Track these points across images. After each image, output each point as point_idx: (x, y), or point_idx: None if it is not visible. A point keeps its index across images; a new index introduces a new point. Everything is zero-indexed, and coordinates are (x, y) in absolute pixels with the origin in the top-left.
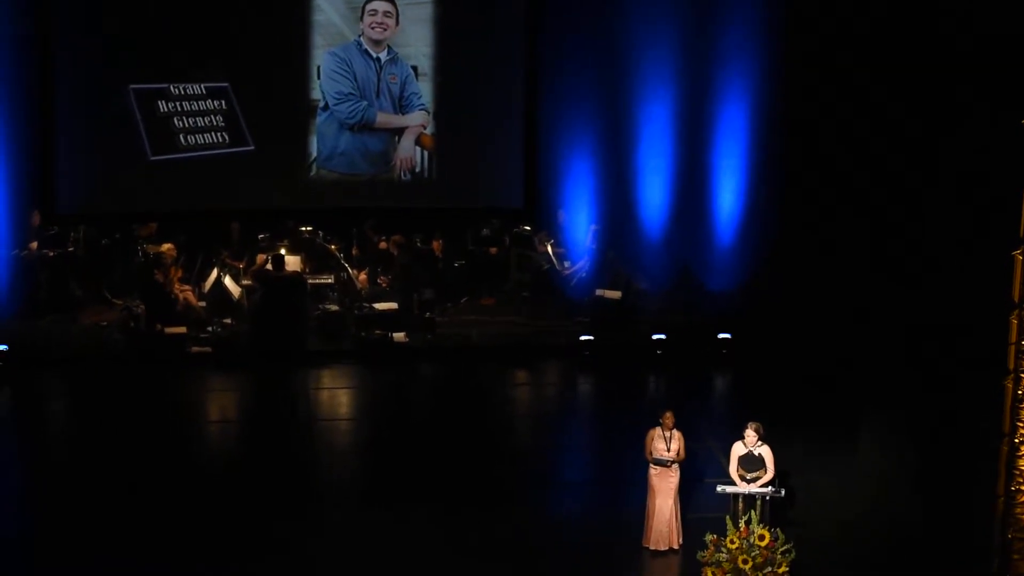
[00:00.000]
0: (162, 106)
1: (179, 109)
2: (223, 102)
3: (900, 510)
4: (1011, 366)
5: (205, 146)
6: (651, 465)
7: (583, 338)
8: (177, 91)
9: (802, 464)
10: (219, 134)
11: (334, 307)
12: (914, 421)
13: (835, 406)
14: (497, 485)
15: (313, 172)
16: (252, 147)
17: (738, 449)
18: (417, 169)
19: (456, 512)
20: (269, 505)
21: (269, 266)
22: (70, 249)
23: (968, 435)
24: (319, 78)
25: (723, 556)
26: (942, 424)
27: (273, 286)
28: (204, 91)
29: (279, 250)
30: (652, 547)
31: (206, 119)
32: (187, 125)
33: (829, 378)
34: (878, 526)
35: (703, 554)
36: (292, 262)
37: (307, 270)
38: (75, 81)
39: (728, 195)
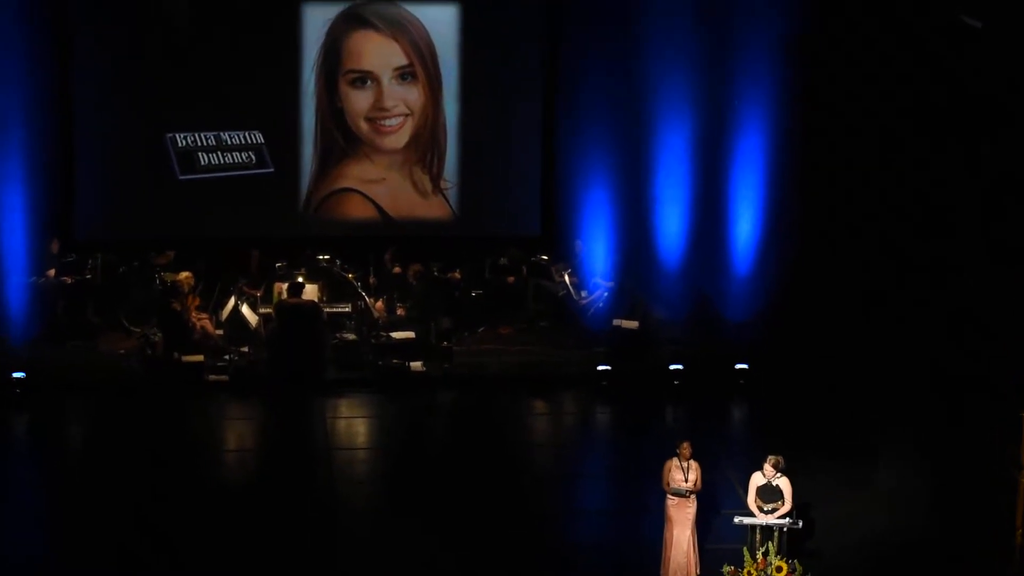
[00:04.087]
0: (184, 140)
1: (203, 144)
2: (248, 136)
3: (919, 541)
4: None
5: (228, 166)
6: (668, 495)
7: (600, 368)
8: (206, 138)
9: (820, 495)
10: (244, 154)
11: (351, 336)
12: (935, 452)
13: (854, 436)
14: (515, 514)
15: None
16: (272, 169)
17: (757, 480)
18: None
19: (473, 541)
20: (286, 534)
21: (286, 295)
22: (88, 276)
23: (989, 466)
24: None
25: None
26: (963, 455)
27: (290, 315)
28: (231, 138)
29: (296, 279)
30: None
31: (231, 154)
32: (211, 155)
33: (848, 408)
34: (897, 557)
35: None
36: (309, 291)
37: (324, 299)
38: (94, 108)
39: (746, 224)
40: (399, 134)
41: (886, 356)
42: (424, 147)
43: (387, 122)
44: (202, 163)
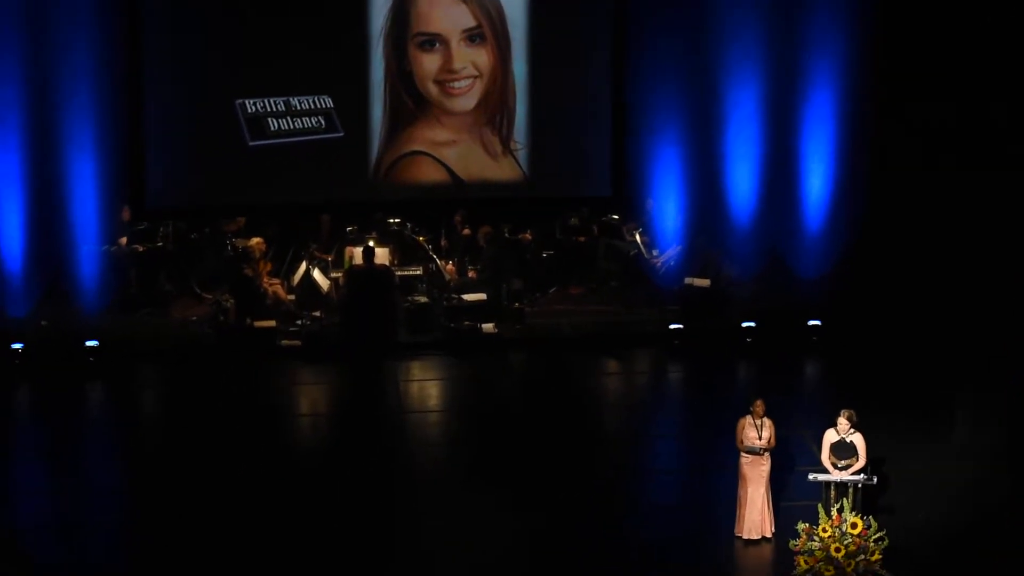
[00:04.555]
0: (253, 106)
1: (273, 109)
2: (318, 101)
3: (995, 496)
4: None
5: (297, 131)
6: (742, 454)
7: (672, 326)
8: (275, 104)
9: (895, 451)
10: (314, 119)
11: (423, 299)
12: (1011, 405)
13: (929, 391)
14: (588, 474)
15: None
16: (342, 134)
17: (830, 436)
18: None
19: (546, 503)
20: (359, 498)
21: (357, 259)
22: (159, 244)
23: None
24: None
25: (815, 544)
26: None
27: (361, 279)
28: (300, 103)
29: (368, 242)
30: (745, 536)
31: (300, 119)
32: (280, 121)
33: (923, 363)
34: (973, 512)
35: (795, 543)
36: (380, 255)
37: (395, 262)
38: (163, 75)
39: (817, 180)
40: (468, 96)
41: (961, 313)
42: (493, 108)
43: (456, 84)
44: (272, 128)
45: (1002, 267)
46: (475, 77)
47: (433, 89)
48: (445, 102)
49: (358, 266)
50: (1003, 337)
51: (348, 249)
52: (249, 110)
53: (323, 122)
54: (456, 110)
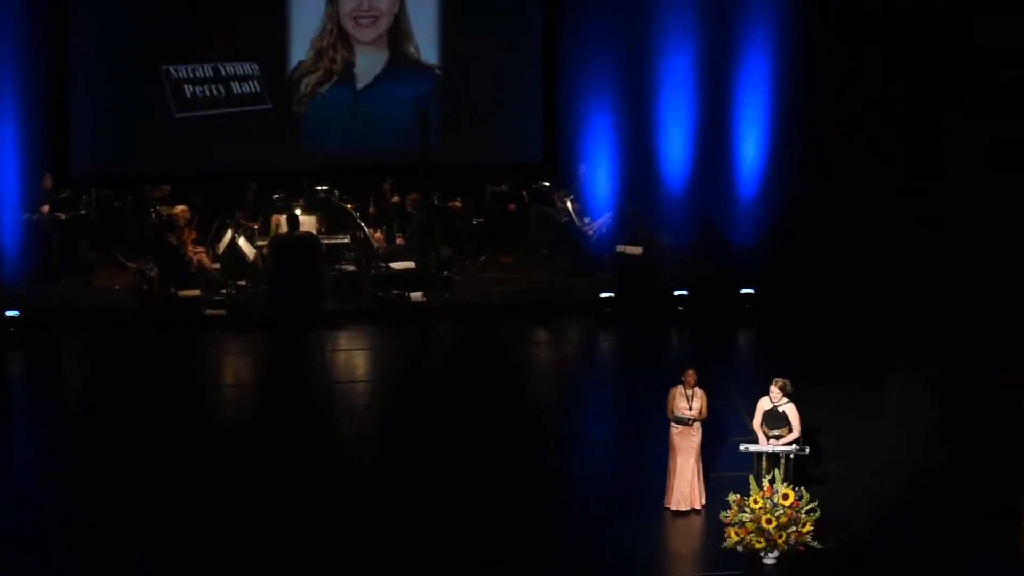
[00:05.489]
0: (179, 73)
1: (199, 76)
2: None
3: (929, 466)
4: None
5: (224, 99)
6: (673, 423)
7: (604, 295)
8: (202, 71)
9: (829, 421)
10: (241, 85)
11: (350, 267)
12: (946, 375)
13: (865, 361)
14: (517, 444)
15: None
16: (270, 105)
17: (763, 405)
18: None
19: (476, 472)
20: (286, 470)
21: (283, 227)
22: (82, 212)
23: (1002, 386)
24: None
25: (746, 516)
26: (979, 384)
27: (288, 247)
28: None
29: (294, 210)
30: (674, 507)
31: (227, 86)
32: (207, 88)
33: (859, 333)
34: (906, 483)
35: (726, 514)
36: (307, 223)
37: (322, 230)
38: (88, 43)
39: (751, 147)
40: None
41: (897, 281)
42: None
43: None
44: (198, 96)
45: (940, 235)
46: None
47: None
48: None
49: (283, 234)
50: (939, 306)
51: (274, 217)
52: (175, 77)
53: (251, 89)
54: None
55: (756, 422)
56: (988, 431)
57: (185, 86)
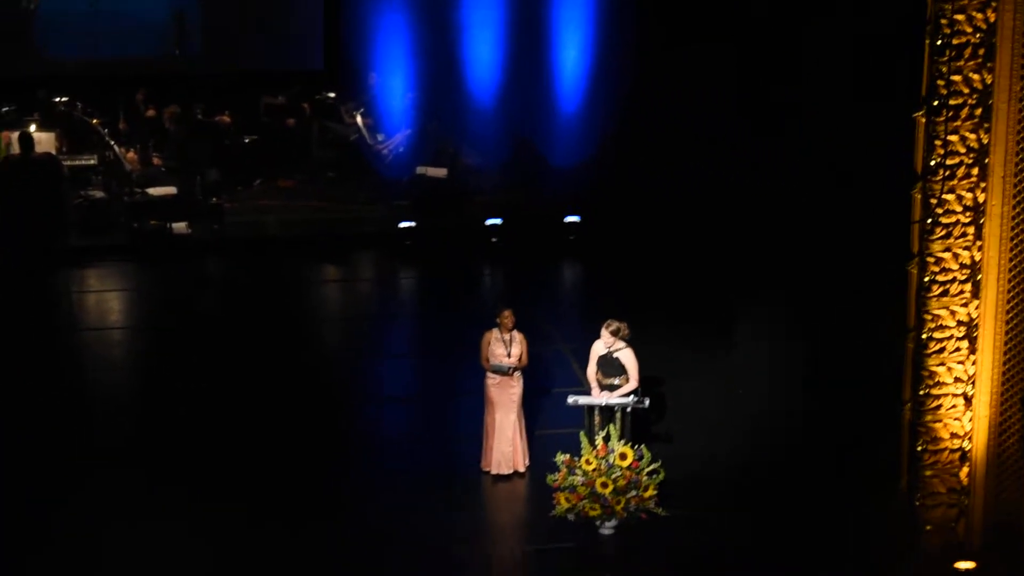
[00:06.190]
0: None
1: None
2: None
3: (783, 420)
4: (915, 248)
5: None
6: (488, 374)
7: (403, 225)
8: None
9: (670, 368)
10: None
11: (99, 193)
12: (800, 317)
13: (706, 299)
14: (303, 402)
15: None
16: None
17: (597, 349)
18: None
19: (254, 434)
20: (32, 426)
21: (15, 147)
22: None
23: (865, 329)
24: None
25: (578, 479)
26: (833, 317)
27: (21, 170)
28: None
29: (28, 126)
30: (493, 471)
31: None
32: None
33: (699, 267)
34: (760, 438)
35: (554, 477)
36: (44, 141)
37: (63, 150)
38: None
39: (572, 52)
40: None
41: (737, 198)
42: None
43: None
44: None
45: (791, 152)
46: None
47: None
48: None
49: (15, 155)
50: (791, 238)
51: (4, 134)
52: None
53: None
54: None
55: (590, 370)
56: (848, 378)
57: None
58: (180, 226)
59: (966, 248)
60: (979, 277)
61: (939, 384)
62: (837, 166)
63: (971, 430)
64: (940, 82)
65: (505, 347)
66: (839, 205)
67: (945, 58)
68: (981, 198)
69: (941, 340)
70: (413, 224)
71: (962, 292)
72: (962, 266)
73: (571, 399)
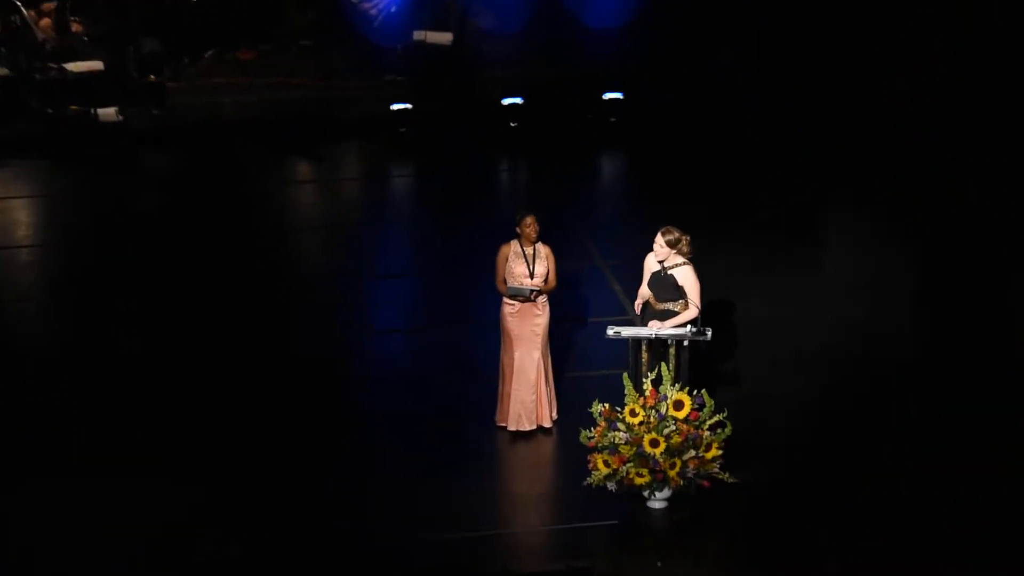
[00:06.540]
0: None
1: None
2: None
3: (892, 353)
4: None
5: None
6: (505, 300)
7: (396, 107)
8: None
9: (736, 290)
10: None
11: (3, 71)
12: (897, 229)
13: (783, 204)
14: (270, 333)
15: None
16: None
17: (650, 264)
18: None
19: (211, 376)
20: None
21: None
22: None
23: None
24: None
25: (620, 436)
26: (929, 225)
27: None
28: None
29: None
30: (511, 426)
31: None
32: None
33: (775, 157)
34: (858, 381)
35: (590, 434)
36: None
37: None
38: None
39: None
40: None
41: (823, 91)
42: None
43: None
44: None
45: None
46: None
47: None
48: None
49: None
50: (881, 136)
51: None
52: None
53: None
54: None
55: (643, 290)
56: (959, 306)
57: None
58: (108, 112)
59: None
60: None
61: None
62: None
63: None
64: None
65: (527, 264)
66: None
67: None
68: None
69: None
70: (409, 106)
71: None
72: None
73: (611, 330)
